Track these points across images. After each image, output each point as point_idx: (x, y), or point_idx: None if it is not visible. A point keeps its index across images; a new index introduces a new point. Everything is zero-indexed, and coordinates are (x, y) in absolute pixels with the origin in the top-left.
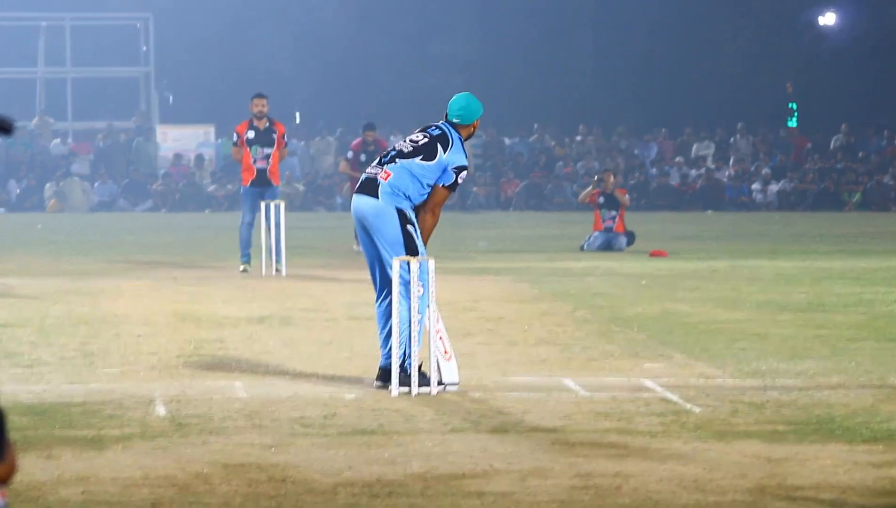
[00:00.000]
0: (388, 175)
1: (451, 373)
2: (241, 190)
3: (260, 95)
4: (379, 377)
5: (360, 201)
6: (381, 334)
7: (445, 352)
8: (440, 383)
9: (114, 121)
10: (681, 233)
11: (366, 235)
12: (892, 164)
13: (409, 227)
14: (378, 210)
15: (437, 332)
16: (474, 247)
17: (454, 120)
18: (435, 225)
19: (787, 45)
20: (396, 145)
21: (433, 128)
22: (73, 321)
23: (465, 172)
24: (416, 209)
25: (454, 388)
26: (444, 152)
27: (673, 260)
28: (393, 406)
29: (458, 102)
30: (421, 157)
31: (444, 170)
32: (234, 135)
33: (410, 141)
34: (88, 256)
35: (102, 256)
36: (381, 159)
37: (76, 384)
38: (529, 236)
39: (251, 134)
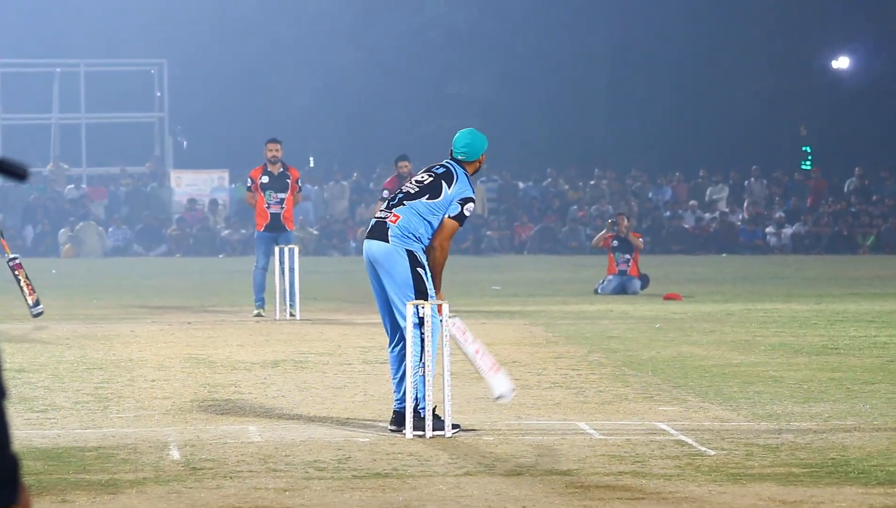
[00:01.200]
0: (397, 218)
1: (502, 384)
2: (255, 235)
3: (273, 141)
4: (393, 422)
5: (371, 246)
6: (394, 378)
7: (492, 366)
8: (455, 426)
9: (128, 166)
10: (695, 276)
11: (376, 280)
12: None
13: (420, 270)
14: (388, 253)
15: (477, 351)
16: (488, 290)
17: (459, 157)
18: (444, 259)
19: (801, 89)
20: (403, 187)
21: (437, 167)
22: (88, 365)
23: (471, 204)
24: (427, 250)
25: (510, 396)
26: (449, 188)
27: (687, 303)
28: (407, 450)
29: (462, 138)
30: (427, 196)
31: (451, 204)
32: (248, 180)
33: (416, 182)
34: (103, 300)
35: (117, 300)
36: (389, 203)
37: (90, 428)
38: (543, 280)
39: (265, 179)
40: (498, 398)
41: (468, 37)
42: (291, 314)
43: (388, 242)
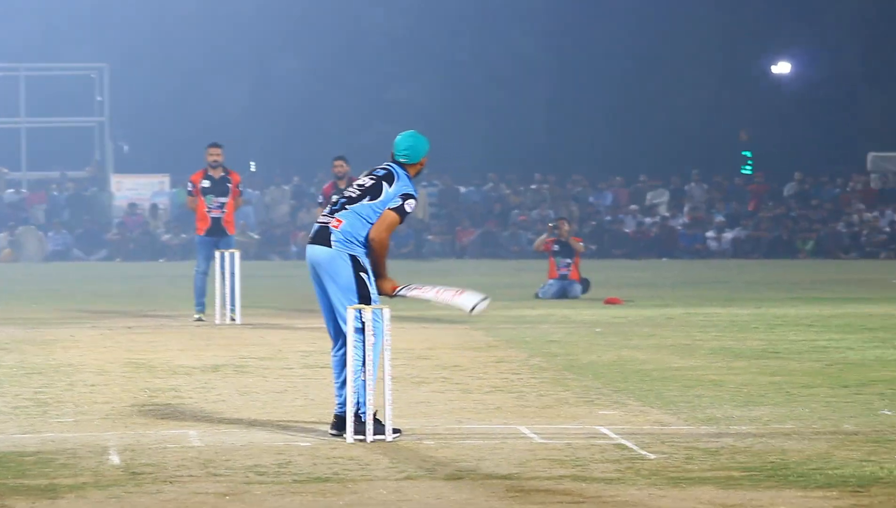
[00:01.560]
0: (340, 223)
1: (470, 299)
2: (196, 239)
3: (215, 145)
4: (334, 426)
5: (314, 251)
6: (336, 382)
7: (455, 292)
8: (395, 430)
9: (68, 170)
10: (636, 280)
11: (319, 284)
12: (845, 211)
13: (363, 274)
14: (331, 258)
15: (437, 292)
16: None
17: (401, 159)
18: (383, 249)
19: (742, 94)
20: (345, 192)
21: (378, 169)
22: (27, 370)
23: (412, 201)
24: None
25: (484, 303)
26: (390, 187)
27: (628, 308)
28: (348, 454)
29: (403, 140)
30: (368, 197)
31: (392, 200)
32: (189, 184)
33: (357, 186)
34: (42, 305)
35: (57, 305)
36: (331, 208)
37: (29, 433)
38: (485, 284)
39: (206, 183)
40: (472, 309)
41: (407, 43)
42: (232, 319)
43: (330, 247)
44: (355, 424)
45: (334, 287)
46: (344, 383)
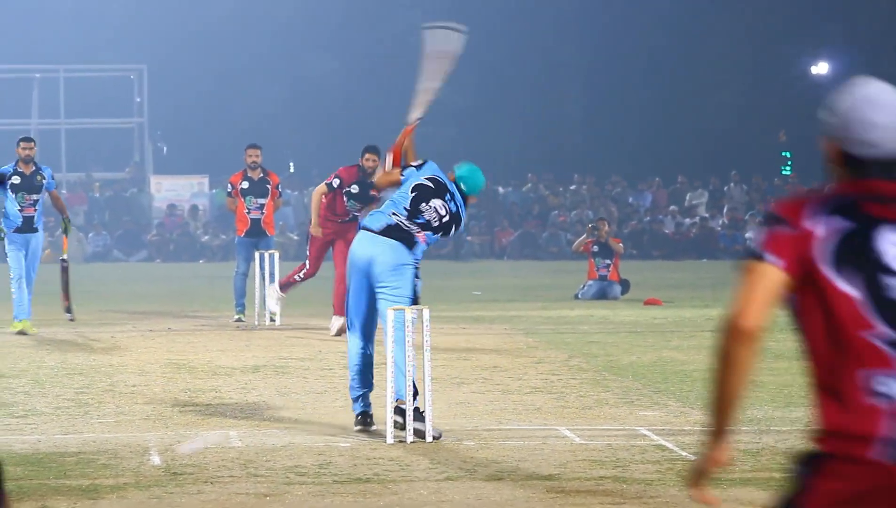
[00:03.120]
0: (425, 238)
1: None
2: (236, 240)
3: (254, 146)
4: (360, 422)
5: (389, 245)
6: (358, 378)
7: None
8: (437, 434)
9: (108, 172)
10: (675, 281)
11: (366, 278)
12: None
13: (417, 280)
14: (405, 263)
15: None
16: (469, 296)
17: (462, 187)
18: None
19: (781, 95)
20: (426, 213)
21: (451, 202)
22: (68, 371)
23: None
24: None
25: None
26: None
27: (667, 309)
28: (388, 455)
29: (473, 176)
30: (441, 234)
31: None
32: (229, 185)
33: (438, 215)
34: (83, 306)
35: (97, 306)
36: (411, 216)
37: (71, 434)
38: (524, 285)
39: (245, 184)
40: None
41: None
42: (272, 320)
43: (411, 251)
44: (395, 415)
45: (391, 287)
46: (368, 380)
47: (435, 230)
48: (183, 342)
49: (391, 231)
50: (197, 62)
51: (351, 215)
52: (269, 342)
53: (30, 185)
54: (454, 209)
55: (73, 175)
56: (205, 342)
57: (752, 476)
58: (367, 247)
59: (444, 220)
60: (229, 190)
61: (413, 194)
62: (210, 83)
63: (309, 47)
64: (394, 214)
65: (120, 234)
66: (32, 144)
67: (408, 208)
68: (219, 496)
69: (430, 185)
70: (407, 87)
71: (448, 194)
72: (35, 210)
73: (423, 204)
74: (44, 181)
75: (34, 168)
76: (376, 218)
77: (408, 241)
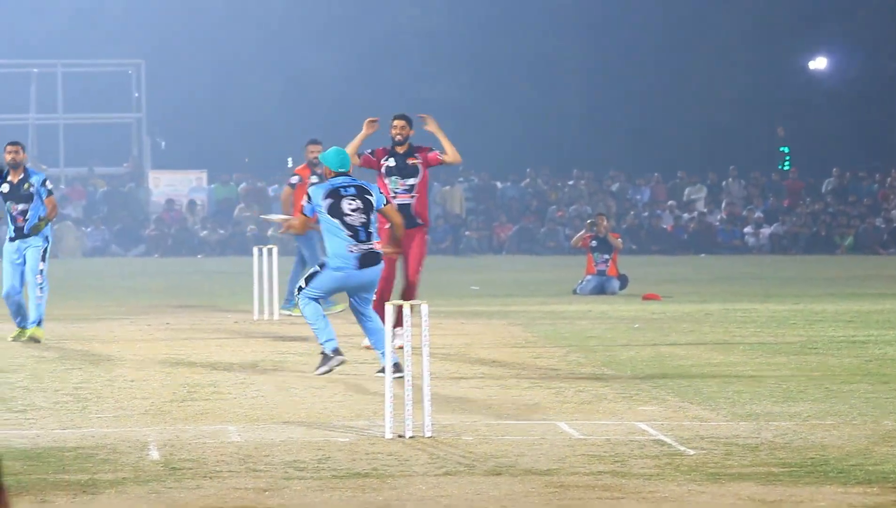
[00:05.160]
0: (378, 241)
1: None
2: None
3: (314, 142)
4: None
5: (374, 273)
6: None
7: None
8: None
9: (106, 167)
10: (674, 276)
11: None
12: (884, 207)
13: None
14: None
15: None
16: (467, 291)
17: (341, 169)
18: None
19: (779, 90)
20: (356, 220)
21: (350, 187)
22: (67, 365)
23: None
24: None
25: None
26: (372, 196)
27: (666, 303)
28: (387, 450)
29: (325, 157)
30: (371, 211)
31: (378, 197)
32: (295, 177)
33: (356, 211)
34: (82, 301)
35: (95, 301)
36: (359, 235)
37: (69, 428)
38: (522, 280)
39: (314, 179)
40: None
41: (443, 40)
42: (272, 314)
43: (381, 262)
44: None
45: (370, 289)
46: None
47: (370, 222)
48: (181, 337)
49: (369, 258)
50: (195, 57)
51: None
52: (268, 337)
53: (16, 194)
54: (353, 192)
55: (71, 170)
56: (203, 336)
57: (750, 471)
58: (372, 277)
59: (364, 205)
60: (294, 182)
61: (336, 221)
62: (208, 78)
63: (307, 42)
64: (349, 249)
65: (118, 229)
66: (19, 147)
67: (344, 229)
68: (217, 490)
69: (331, 199)
70: (403, 81)
71: (342, 189)
72: (25, 220)
73: (346, 216)
74: (31, 189)
75: (23, 175)
76: (345, 259)
77: (377, 258)
